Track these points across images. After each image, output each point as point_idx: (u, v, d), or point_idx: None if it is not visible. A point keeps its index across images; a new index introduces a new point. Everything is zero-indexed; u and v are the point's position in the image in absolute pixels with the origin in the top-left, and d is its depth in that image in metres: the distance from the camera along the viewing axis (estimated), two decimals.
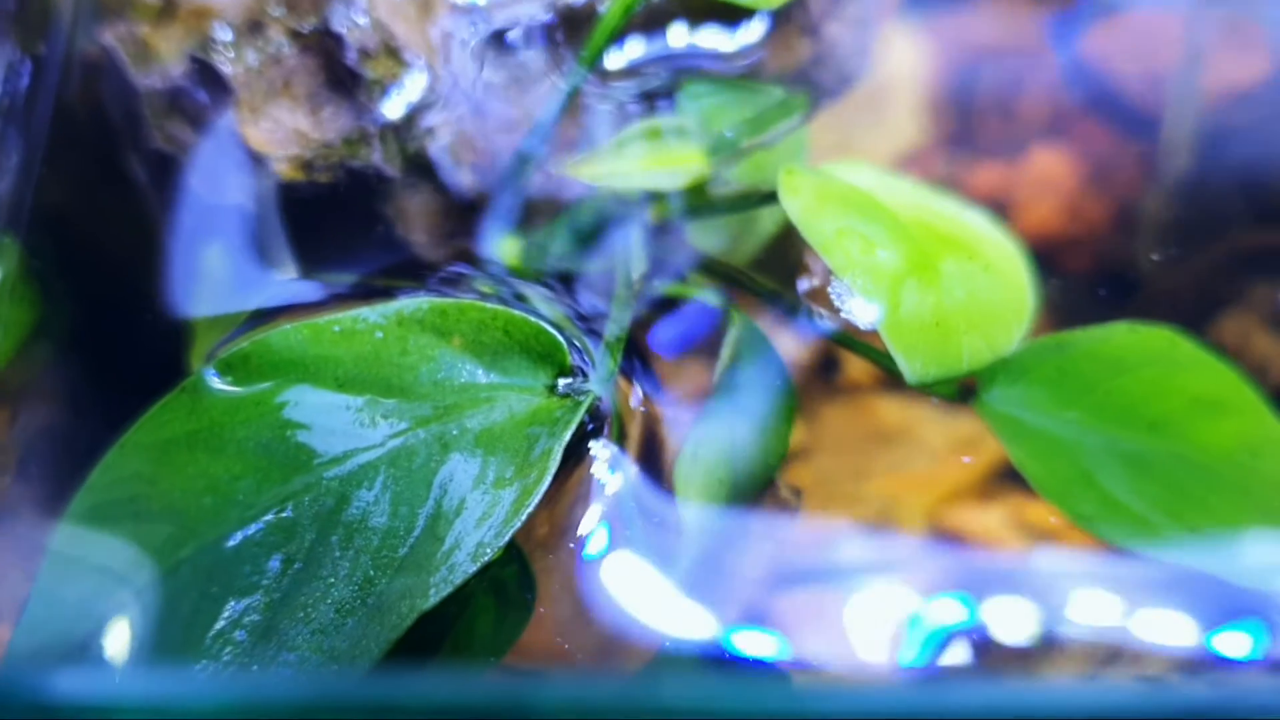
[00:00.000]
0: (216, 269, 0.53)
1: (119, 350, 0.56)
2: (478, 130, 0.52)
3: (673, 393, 0.58)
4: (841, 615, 0.54)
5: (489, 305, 0.44)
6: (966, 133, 0.75)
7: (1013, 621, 0.53)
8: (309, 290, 0.54)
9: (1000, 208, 0.73)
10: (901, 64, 0.76)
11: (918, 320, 0.46)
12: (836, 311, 0.48)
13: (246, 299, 0.54)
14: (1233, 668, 0.55)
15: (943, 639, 0.53)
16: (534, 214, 0.55)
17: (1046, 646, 0.53)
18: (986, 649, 0.52)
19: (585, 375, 0.47)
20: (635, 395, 0.53)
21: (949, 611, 0.52)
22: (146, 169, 0.51)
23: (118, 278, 0.56)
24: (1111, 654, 0.58)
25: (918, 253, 0.47)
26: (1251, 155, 0.70)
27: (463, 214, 0.54)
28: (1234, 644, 0.51)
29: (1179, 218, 0.71)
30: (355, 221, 0.54)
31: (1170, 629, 0.52)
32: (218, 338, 0.53)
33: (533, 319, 0.44)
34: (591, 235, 0.53)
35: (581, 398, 0.44)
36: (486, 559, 0.39)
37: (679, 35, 0.55)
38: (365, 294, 0.55)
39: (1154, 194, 0.71)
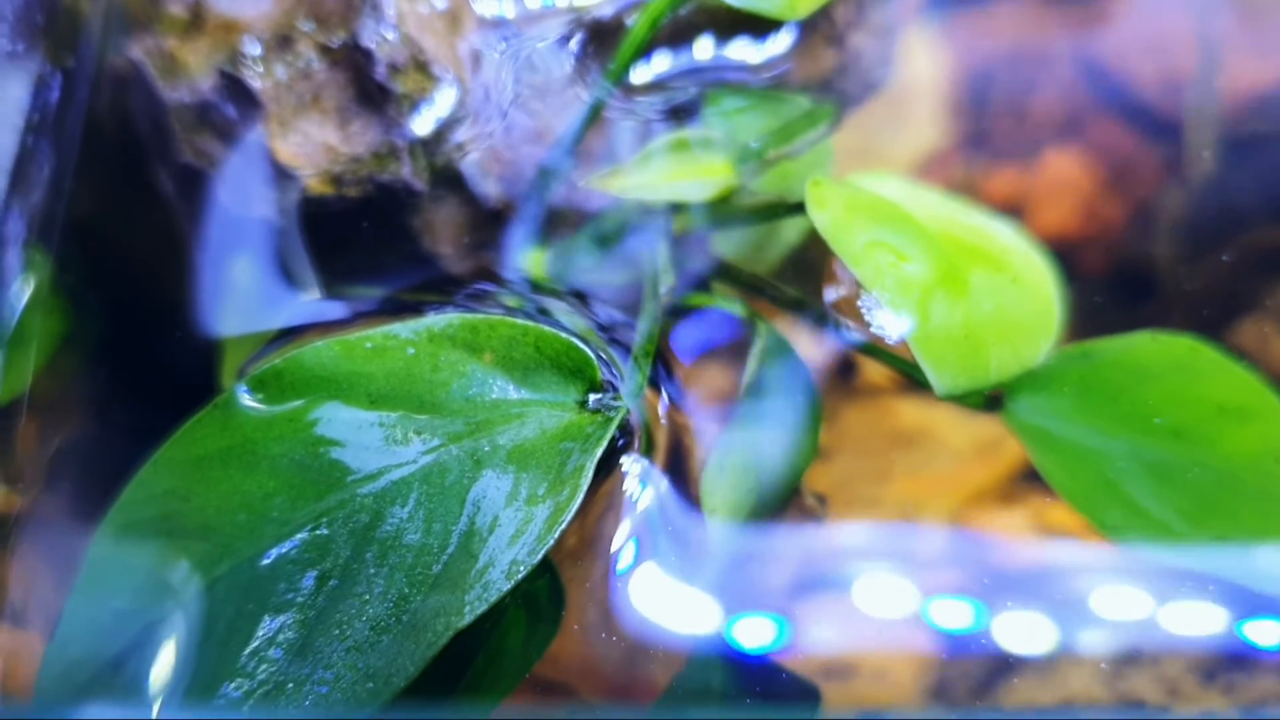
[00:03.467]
0: (246, 284, 0.53)
1: (148, 363, 0.56)
2: (505, 142, 0.52)
3: (699, 402, 0.58)
4: (867, 618, 0.54)
5: (519, 321, 0.44)
6: (984, 135, 0.75)
7: (1034, 622, 0.53)
8: (337, 307, 0.55)
9: (1017, 209, 0.73)
10: (921, 69, 0.76)
11: (947, 333, 0.46)
12: (866, 324, 0.48)
13: (276, 314, 0.54)
14: (1255, 665, 0.55)
15: (967, 640, 0.53)
16: (560, 225, 0.55)
17: (1068, 646, 0.54)
18: (1009, 649, 0.53)
19: (615, 390, 0.47)
20: (662, 407, 0.54)
21: (972, 613, 0.52)
22: (175, 182, 0.51)
23: (148, 291, 0.56)
24: (1132, 654, 0.58)
25: (946, 265, 0.47)
26: (1271, 157, 0.70)
27: (488, 226, 0.54)
28: (1258, 638, 0.52)
29: (1198, 220, 0.71)
30: (382, 235, 0.54)
31: (1192, 627, 0.52)
32: (248, 353, 0.53)
33: (563, 334, 0.44)
34: (616, 247, 0.53)
35: (612, 413, 0.44)
36: (520, 576, 0.40)
37: (705, 48, 0.56)
38: (393, 310, 0.55)
39: (1174, 196, 0.71)
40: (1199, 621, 0.51)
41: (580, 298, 0.54)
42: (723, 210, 0.54)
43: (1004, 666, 0.59)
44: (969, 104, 0.75)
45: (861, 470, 0.69)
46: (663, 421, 0.51)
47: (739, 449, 0.51)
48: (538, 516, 0.41)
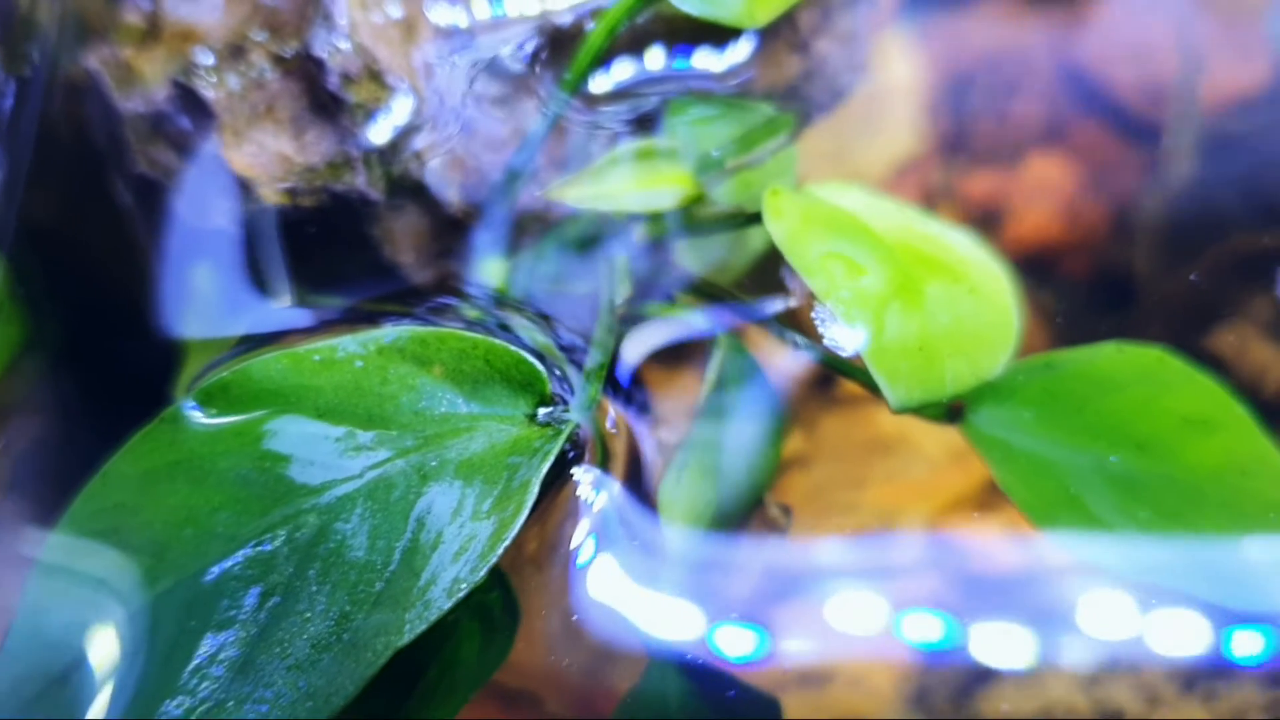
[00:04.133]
0: (207, 292, 0.53)
1: (110, 369, 0.56)
2: (466, 150, 0.52)
3: (662, 414, 0.58)
4: (843, 625, 0.54)
5: (470, 334, 0.44)
6: (963, 140, 0.74)
7: (1013, 629, 0.53)
8: (301, 315, 0.54)
9: (997, 214, 0.73)
10: (898, 73, 0.76)
11: (901, 345, 0.45)
12: (819, 337, 0.48)
13: (236, 323, 0.54)
14: (1234, 673, 0.55)
15: (945, 648, 0.53)
16: (524, 232, 0.55)
17: (1047, 653, 0.53)
18: (988, 657, 0.52)
19: (566, 403, 0.46)
20: (621, 419, 0.53)
21: (950, 620, 0.52)
22: (132, 192, 0.51)
23: (109, 298, 0.56)
24: (1111, 662, 0.58)
25: (902, 276, 0.46)
26: (1252, 162, 0.70)
27: (450, 235, 0.54)
28: (1237, 647, 0.51)
29: (1178, 224, 0.71)
30: (342, 244, 0.54)
31: (1171, 636, 0.52)
32: (210, 359, 0.53)
33: (513, 348, 0.44)
34: (576, 256, 0.53)
35: (562, 426, 0.44)
36: (462, 594, 0.39)
37: (666, 56, 0.55)
38: (355, 319, 0.55)
39: (1153, 200, 0.71)
40: (1179, 630, 0.51)
41: (544, 318, 0.54)
42: (686, 219, 0.53)
43: (983, 674, 0.59)
44: (947, 108, 0.75)
45: (839, 477, 0.69)
46: (623, 433, 0.50)
47: (697, 460, 0.51)
48: (481, 533, 0.40)
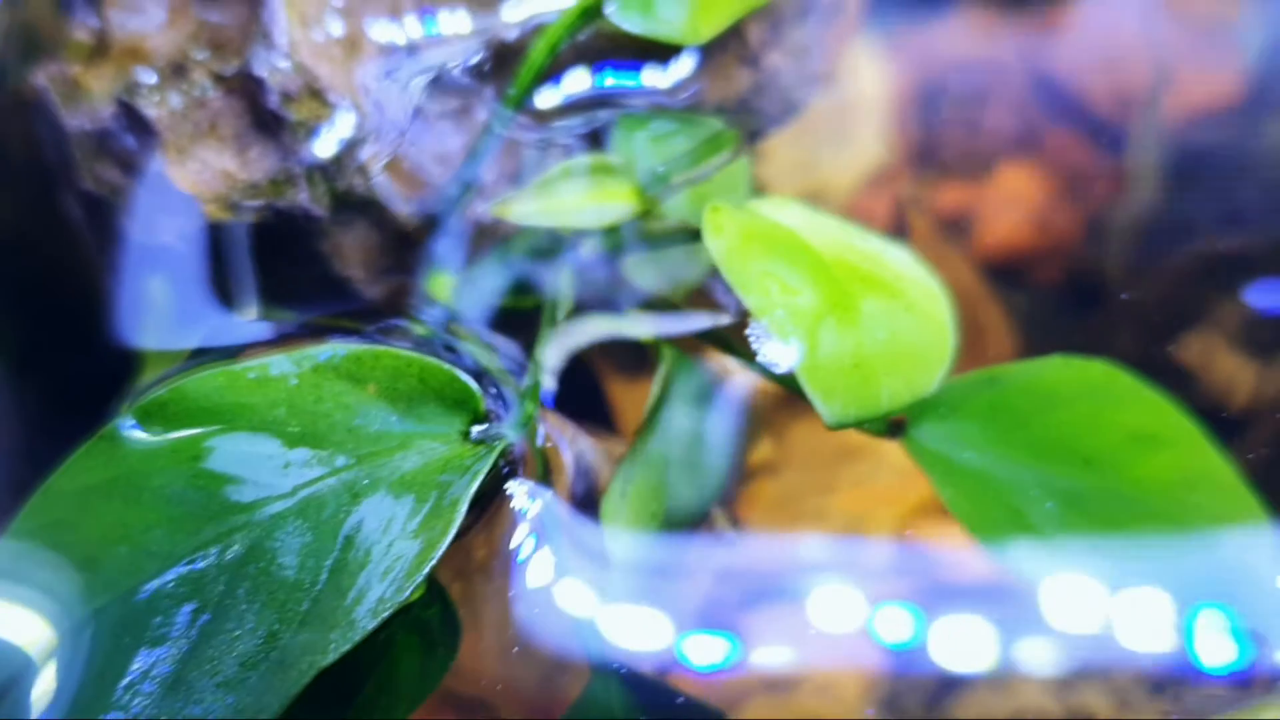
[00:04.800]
0: (161, 304, 0.54)
1: (68, 379, 0.56)
2: (415, 164, 0.52)
3: (623, 426, 0.58)
4: (812, 631, 0.54)
5: (404, 352, 0.44)
6: (933, 149, 0.75)
7: (983, 634, 0.53)
8: (256, 330, 0.55)
9: (968, 222, 0.73)
10: (866, 82, 0.76)
11: (836, 362, 0.46)
12: (753, 354, 0.48)
13: (190, 336, 0.54)
14: (1201, 681, 0.55)
15: (914, 653, 0.53)
16: (474, 246, 0.55)
17: (1017, 658, 0.54)
18: (958, 662, 0.53)
19: (501, 420, 0.47)
20: (565, 432, 0.54)
21: (919, 625, 0.52)
22: (81, 208, 0.51)
23: (64, 310, 0.57)
24: (1081, 667, 0.58)
25: (839, 293, 0.47)
26: (1222, 172, 0.70)
27: (400, 249, 0.54)
28: (1205, 651, 0.51)
29: (1149, 233, 0.71)
30: (293, 259, 0.54)
31: (1141, 639, 0.52)
32: (164, 370, 0.53)
33: (447, 366, 0.44)
34: (524, 271, 0.53)
35: (494, 444, 0.44)
36: (386, 615, 0.39)
37: (613, 72, 0.56)
38: (310, 335, 0.55)
39: (1124, 210, 0.71)
40: (1148, 633, 0.51)
41: (488, 333, 0.54)
42: (635, 234, 0.54)
43: (953, 679, 0.59)
44: (917, 117, 0.75)
45: (807, 484, 0.70)
46: (552, 446, 0.51)
47: (642, 473, 0.51)
48: (409, 552, 0.41)
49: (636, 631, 0.51)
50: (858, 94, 0.77)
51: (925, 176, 0.74)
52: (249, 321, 0.54)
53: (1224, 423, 0.65)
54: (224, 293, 0.54)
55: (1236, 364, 0.68)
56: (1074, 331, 0.71)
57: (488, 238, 0.54)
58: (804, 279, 0.47)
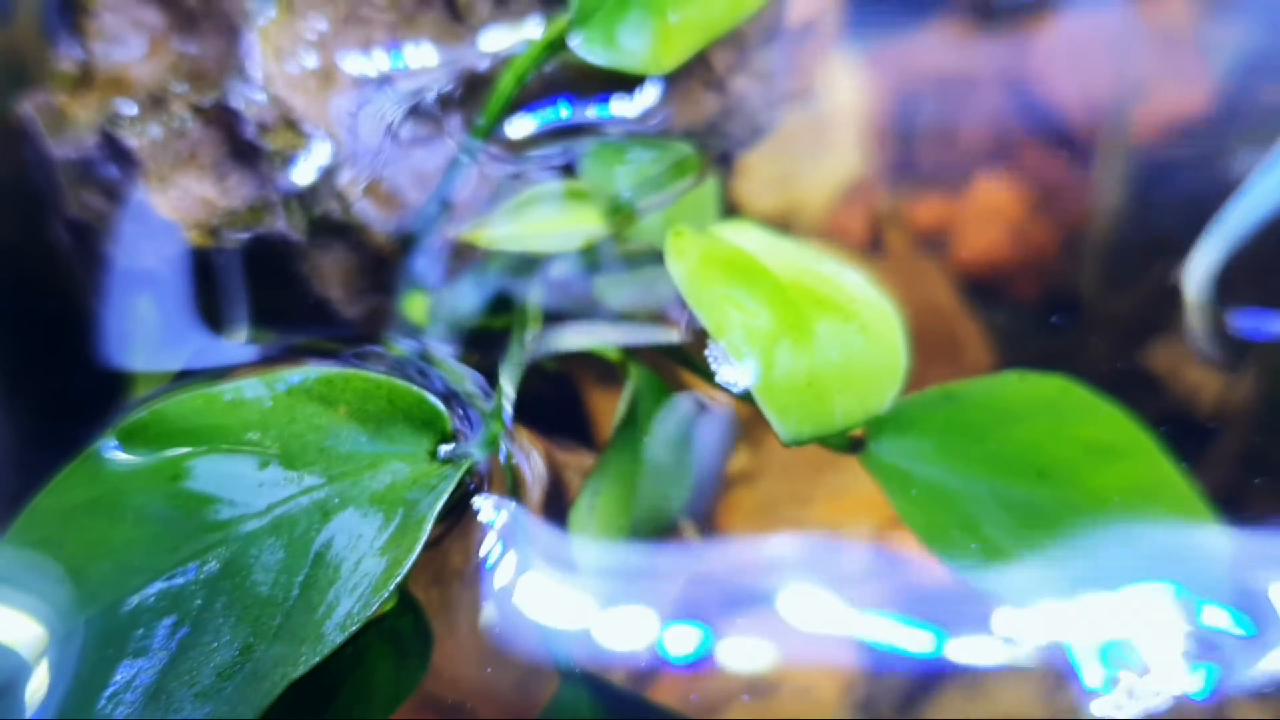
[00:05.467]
0: (149, 327, 0.56)
1: (60, 398, 0.58)
2: (392, 189, 0.54)
3: (591, 440, 0.60)
4: (791, 636, 0.56)
5: (373, 374, 0.46)
6: (910, 163, 0.76)
7: (958, 639, 0.55)
8: (242, 351, 0.57)
9: (945, 236, 0.74)
10: (844, 96, 0.78)
11: (790, 381, 0.47)
12: (711, 374, 0.50)
13: (176, 357, 0.56)
14: (1165, 684, 0.56)
15: (891, 657, 0.54)
16: (449, 268, 0.57)
17: (990, 662, 0.55)
18: (933, 666, 0.54)
19: (468, 439, 0.49)
20: (533, 450, 0.55)
21: (896, 630, 0.53)
22: (68, 233, 0.53)
23: (53, 334, 0.58)
24: (1062, 675, 0.59)
25: (794, 314, 0.48)
26: (1194, 184, 0.71)
27: (378, 271, 0.56)
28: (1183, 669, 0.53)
29: (1122, 246, 0.73)
30: (273, 282, 0.56)
31: (1121, 647, 0.53)
32: (151, 390, 0.55)
33: (415, 388, 0.46)
34: (497, 292, 0.55)
35: (460, 462, 0.46)
36: (354, 630, 0.41)
37: (582, 101, 0.57)
38: (293, 356, 0.57)
39: (1099, 223, 0.73)
40: (1110, 637, 0.52)
41: (469, 339, 0.56)
42: (604, 257, 0.55)
43: (929, 682, 0.60)
44: (894, 131, 0.76)
45: (785, 493, 0.71)
46: (519, 463, 0.52)
47: (609, 486, 0.53)
48: (375, 569, 0.43)
49: (606, 638, 0.53)
50: (835, 109, 0.78)
51: (902, 190, 0.75)
52: (234, 343, 0.56)
53: (1191, 431, 0.67)
54: (211, 315, 0.56)
55: (1203, 374, 0.70)
56: (1049, 345, 0.72)
57: (464, 259, 0.55)
58: (761, 301, 0.49)
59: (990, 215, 0.74)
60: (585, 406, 0.66)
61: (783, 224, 0.74)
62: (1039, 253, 0.73)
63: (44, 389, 0.58)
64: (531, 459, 0.54)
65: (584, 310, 0.56)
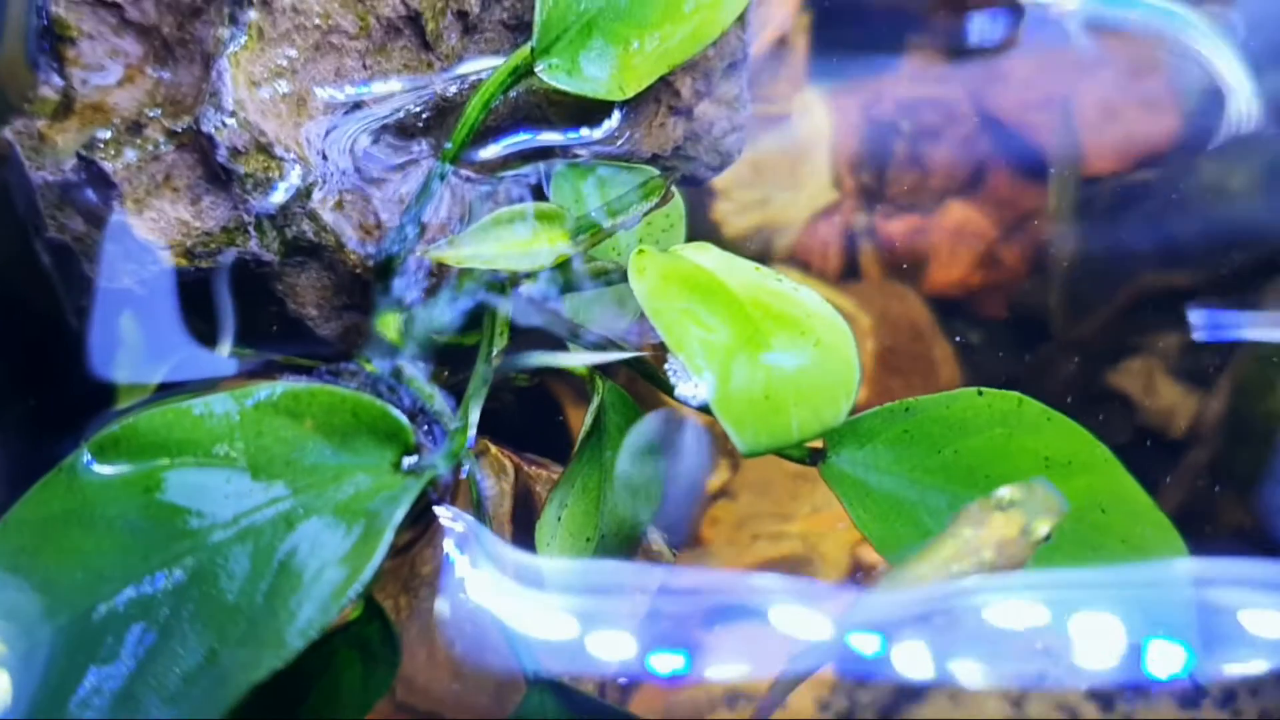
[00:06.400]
0: (131, 343, 0.57)
1: (43, 411, 0.60)
2: (366, 209, 0.56)
3: (541, 455, 0.61)
4: (769, 646, 0.57)
5: (338, 389, 0.47)
6: (885, 187, 0.77)
7: (936, 650, 0.56)
8: (223, 365, 0.58)
9: (919, 258, 0.76)
10: (818, 124, 0.79)
11: (747, 394, 0.48)
12: (671, 387, 0.51)
13: (158, 370, 0.58)
14: (1151, 693, 0.57)
15: (869, 668, 0.55)
16: (423, 286, 0.58)
17: (968, 674, 0.56)
18: (911, 677, 0.55)
19: (432, 451, 0.50)
20: (502, 463, 0.57)
21: (874, 642, 0.54)
22: (49, 254, 0.55)
23: (39, 348, 0.60)
24: (1033, 681, 0.60)
25: (751, 330, 0.49)
26: (1162, 209, 0.72)
27: (353, 289, 0.58)
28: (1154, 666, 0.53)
29: (1091, 269, 0.74)
30: (252, 299, 0.58)
31: (1092, 655, 0.54)
32: (134, 400, 0.57)
33: (379, 401, 0.47)
34: (468, 309, 0.56)
35: (423, 473, 0.47)
36: (314, 636, 0.43)
37: (552, 125, 0.59)
38: (273, 370, 0.59)
39: (1067, 245, 0.74)
40: (1099, 649, 0.53)
41: (438, 356, 0.57)
42: (573, 275, 0.57)
43: (907, 693, 0.62)
44: (869, 156, 0.78)
45: (764, 509, 0.72)
46: (481, 477, 0.54)
47: (575, 498, 0.54)
48: (337, 577, 0.44)
49: (573, 648, 0.54)
50: (810, 135, 0.80)
51: (876, 213, 0.77)
52: (215, 357, 0.58)
53: (1165, 446, 0.68)
54: (195, 331, 0.57)
55: (1177, 394, 0.71)
56: (1022, 363, 0.73)
57: (441, 278, 0.57)
58: (719, 317, 0.50)
59: (960, 237, 0.76)
60: (567, 422, 0.67)
61: (761, 246, 0.75)
62: (1007, 274, 0.74)
63: (31, 400, 0.59)
64: (503, 472, 0.55)
65: (554, 327, 0.57)
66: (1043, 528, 0.45)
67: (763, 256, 0.72)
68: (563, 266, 0.56)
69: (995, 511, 0.45)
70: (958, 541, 0.45)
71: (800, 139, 0.78)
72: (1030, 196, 0.75)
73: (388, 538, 0.44)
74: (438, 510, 0.50)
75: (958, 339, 0.72)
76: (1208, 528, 0.66)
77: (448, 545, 0.50)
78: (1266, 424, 0.66)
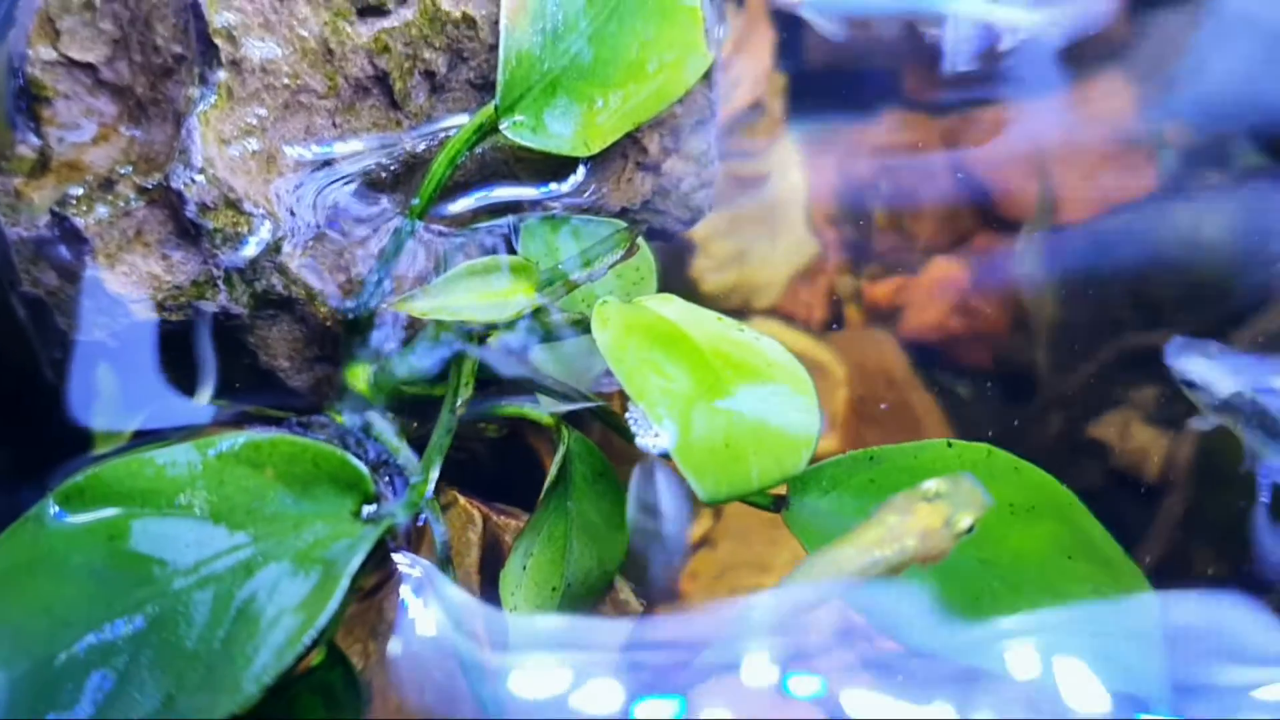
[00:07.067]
0: (108, 393, 0.58)
1: (22, 459, 0.61)
2: (334, 265, 0.57)
3: (508, 505, 0.62)
4: (750, 695, 0.57)
5: (299, 438, 0.48)
6: (863, 242, 0.78)
7: (920, 696, 0.56)
8: (197, 413, 0.59)
9: (899, 310, 0.76)
10: (796, 179, 0.80)
11: (708, 443, 0.49)
12: (632, 437, 0.52)
13: (133, 419, 0.59)
14: None
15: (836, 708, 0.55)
16: (408, 336, 0.59)
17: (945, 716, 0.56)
18: None
19: (392, 500, 0.51)
20: (465, 514, 0.57)
21: (854, 696, 0.54)
22: (24, 307, 0.56)
23: (17, 399, 0.61)
24: None
25: (712, 379, 0.50)
26: (1140, 262, 0.73)
27: (324, 341, 0.59)
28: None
29: (1074, 323, 0.74)
30: (223, 352, 0.59)
31: (1083, 698, 0.54)
32: (110, 448, 0.58)
33: (339, 451, 0.48)
34: (435, 360, 0.57)
35: (382, 521, 0.48)
36: (269, 683, 0.43)
37: (520, 180, 0.60)
38: (244, 421, 0.59)
39: (1050, 299, 0.74)
40: (1090, 692, 0.53)
41: (406, 407, 0.58)
42: (540, 327, 0.58)
43: None
44: (845, 211, 0.79)
45: (744, 557, 0.73)
46: (434, 525, 0.54)
47: (541, 548, 0.55)
48: (293, 624, 0.45)
49: (539, 699, 0.54)
50: (787, 191, 0.81)
51: (856, 266, 0.78)
52: (190, 406, 0.59)
53: (1140, 490, 0.68)
54: (173, 380, 0.58)
55: (1151, 436, 0.71)
56: (1005, 416, 0.74)
57: (416, 329, 0.58)
58: (680, 366, 0.51)
59: (941, 290, 0.76)
60: (544, 473, 0.68)
61: (741, 300, 0.76)
62: (988, 327, 0.74)
63: (7, 454, 0.60)
64: (470, 523, 0.56)
65: (521, 377, 0.58)
66: (965, 520, 0.46)
67: (742, 312, 0.73)
68: (537, 317, 0.56)
69: (921, 502, 0.46)
70: (882, 528, 0.46)
71: (777, 195, 0.79)
72: (1009, 253, 0.76)
73: (344, 584, 0.45)
74: (396, 558, 0.50)
75: (942, 391, 0.72)
76: (1185, 573, 0.67)
77: (403, 591, 0.50)
78: (1233, 466, 0.66)
